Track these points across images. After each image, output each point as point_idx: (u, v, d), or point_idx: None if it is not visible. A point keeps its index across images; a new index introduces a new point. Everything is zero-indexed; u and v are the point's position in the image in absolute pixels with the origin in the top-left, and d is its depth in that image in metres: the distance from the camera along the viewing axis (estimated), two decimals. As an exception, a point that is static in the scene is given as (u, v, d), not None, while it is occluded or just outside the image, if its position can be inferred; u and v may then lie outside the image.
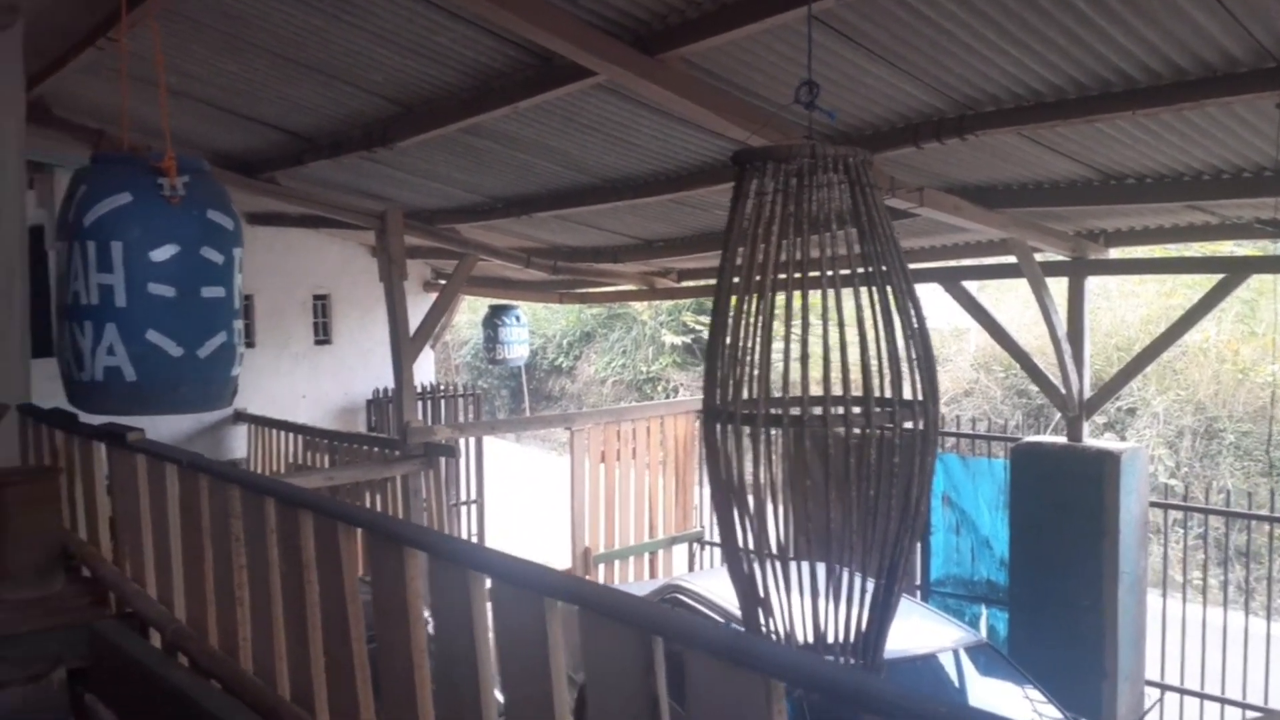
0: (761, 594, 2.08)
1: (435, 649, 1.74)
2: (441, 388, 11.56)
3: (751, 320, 2.05)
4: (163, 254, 2.90)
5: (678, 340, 17.48)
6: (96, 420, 3.14)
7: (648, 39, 3.80)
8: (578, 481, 8.31)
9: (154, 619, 2.74)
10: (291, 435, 8.84)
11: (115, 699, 2.74)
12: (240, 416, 9.28)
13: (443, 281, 11.14)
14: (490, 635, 1.68)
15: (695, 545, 9.15)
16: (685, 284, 9.19)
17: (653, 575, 8.65)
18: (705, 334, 18.33)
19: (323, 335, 10.27)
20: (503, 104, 4.62)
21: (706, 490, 9.25)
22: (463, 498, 9.64)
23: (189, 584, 2.65)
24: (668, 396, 16.69)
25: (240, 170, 6.83)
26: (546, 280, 9.70)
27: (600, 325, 18.76)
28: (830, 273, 2.03)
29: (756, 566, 2.05)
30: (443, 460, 7.80)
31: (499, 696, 1.66)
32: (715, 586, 6.03)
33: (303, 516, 2.11)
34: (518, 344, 11.45)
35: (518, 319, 11.34)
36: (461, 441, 8.55)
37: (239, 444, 9.40)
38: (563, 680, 1.50)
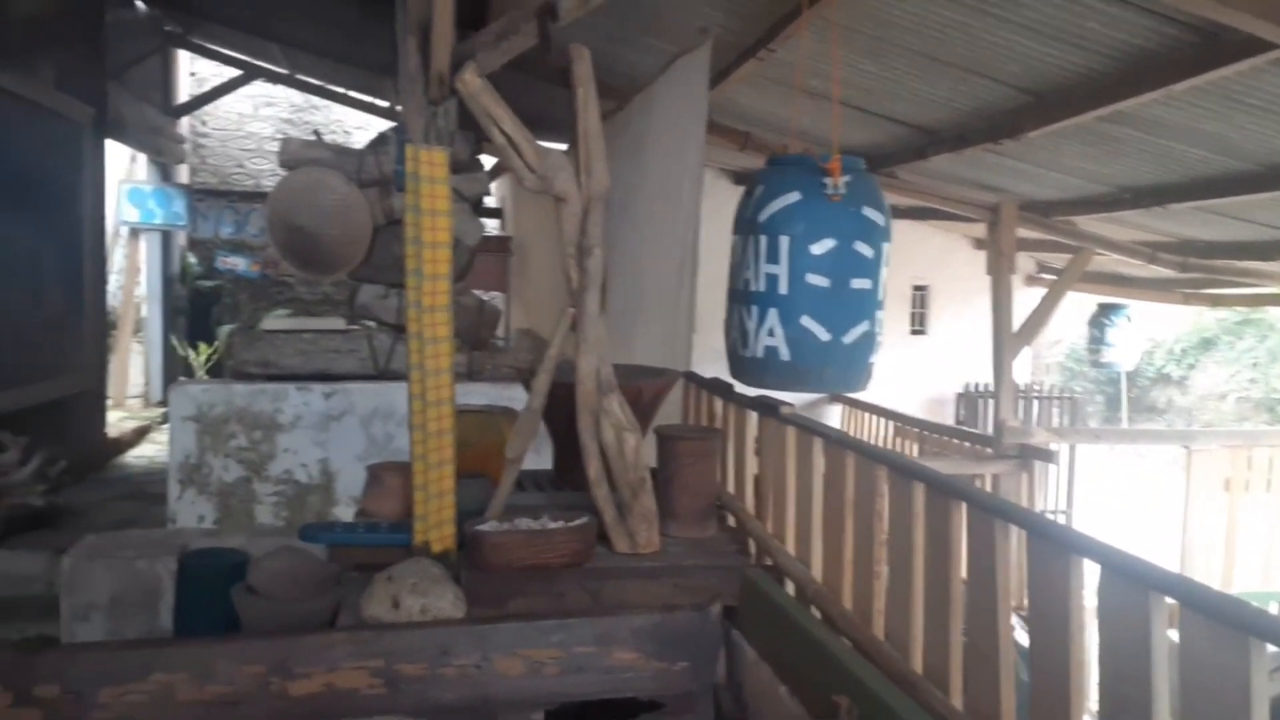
0: None
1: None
2: (1035, 388, 11.05)
3: None
4: (821, 247, 3.19)
5: (1333, 355, 14.40)
6: (750, 391, 3.59)
7: (1357, -1, 3.20)
8: (1193, 509, 7.35)
9: (793, 573, 3.05)
10: (882, 420, 9.15)
11: (757, 638, 3.04)
12: (835, 397, 9.82)
13: (1046, 275, 10.60)
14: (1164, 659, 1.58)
15: (1342, 604, 7.54)
16: (1361, 289, 7.56)
17: None
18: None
19: (918, 325, 10.48)
20: (1152, 87, 4.26)
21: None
22: (1050, 506, 9.12)
23: (827, 548, 2.90)
24: (1312, 421, 13.93)
25: (863, 165, 7.20)
26: (1169, 278, 8.68)
27: (1225, 331, 16.19)
28: None
29: None
30: (1036, 464, 7.49)
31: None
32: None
33: (953, 505, 2.18)
34: (1125, 347, 10.48)
35: (1128, 319, 10.38)
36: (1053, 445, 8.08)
37: (832, 421, 9.97)
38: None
